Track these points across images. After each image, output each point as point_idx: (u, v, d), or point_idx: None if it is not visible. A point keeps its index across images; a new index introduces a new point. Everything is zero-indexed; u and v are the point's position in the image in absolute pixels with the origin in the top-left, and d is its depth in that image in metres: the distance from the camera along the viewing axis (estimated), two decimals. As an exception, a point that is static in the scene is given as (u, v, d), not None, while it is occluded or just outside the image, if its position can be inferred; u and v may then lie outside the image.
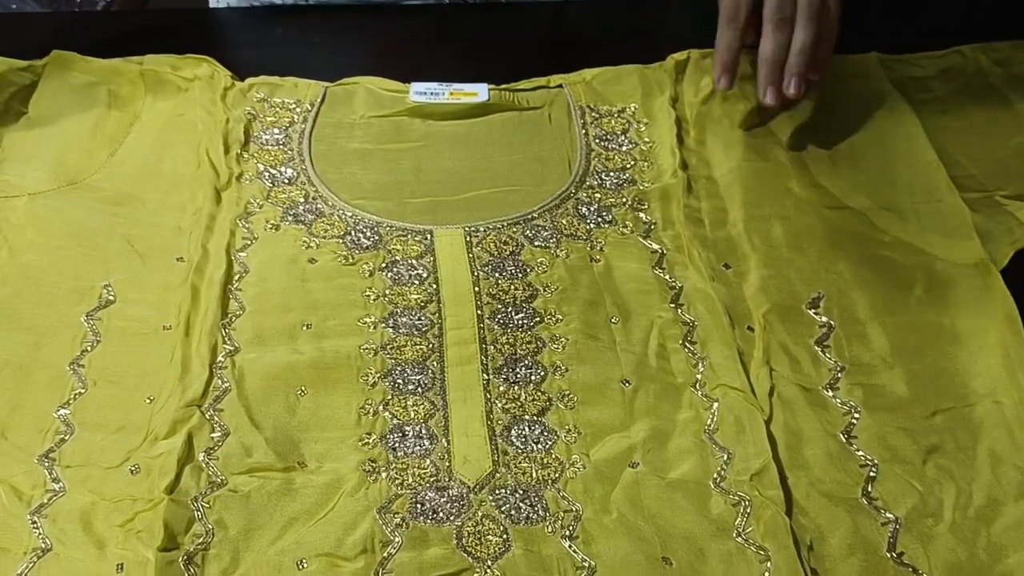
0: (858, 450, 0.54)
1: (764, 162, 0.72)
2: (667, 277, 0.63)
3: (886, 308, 0.61)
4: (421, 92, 0.78)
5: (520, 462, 0.53)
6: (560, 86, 0.79)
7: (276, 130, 0.75)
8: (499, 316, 0.61)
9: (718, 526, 0.50)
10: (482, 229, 0.67)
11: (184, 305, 0.60)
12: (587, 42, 0.88)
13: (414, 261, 0.64)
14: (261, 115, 0.76)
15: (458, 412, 0.55)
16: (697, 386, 0.57)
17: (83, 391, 0.56)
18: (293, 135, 0.75)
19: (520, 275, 0.63)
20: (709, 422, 0.55)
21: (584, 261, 0.65)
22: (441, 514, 0.50)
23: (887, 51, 0.80)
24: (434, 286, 0.63)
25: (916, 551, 0.49)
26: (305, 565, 0.48)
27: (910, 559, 0.49)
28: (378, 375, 0.57)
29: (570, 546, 0.49)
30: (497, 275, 0.63)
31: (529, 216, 0.68)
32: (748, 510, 0.50)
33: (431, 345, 0.59)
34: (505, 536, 0.49)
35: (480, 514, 0.50)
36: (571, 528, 0.50)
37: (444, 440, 0.54)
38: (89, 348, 0.59)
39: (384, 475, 0.52)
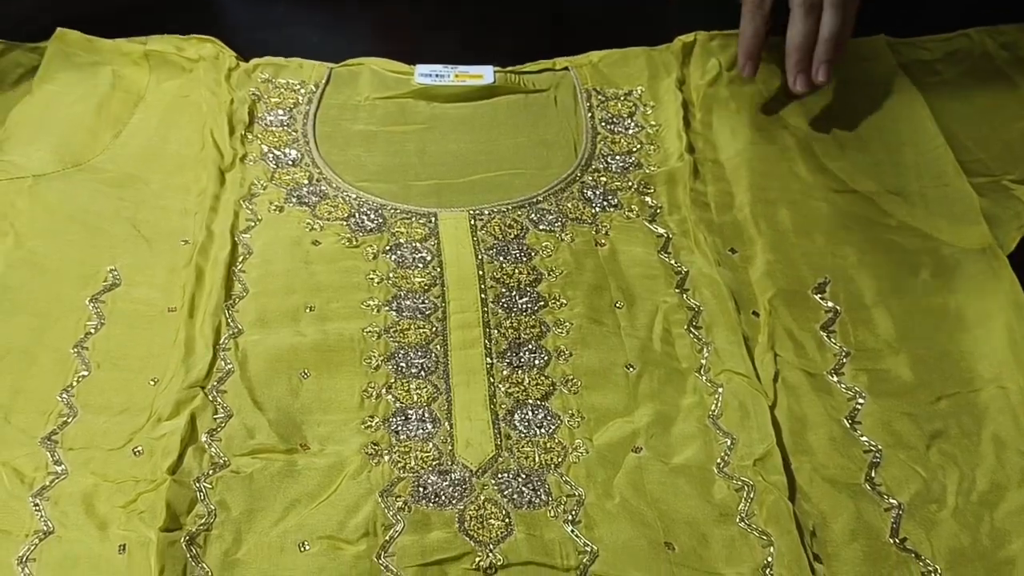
0: (862, 436, 0.54)
1: (771, 145, 0.71)
2: (672, 262, 0.63)
3: (892, 292, 0.61)
4: (426, 74, 0.77)
5: (523, 446, 0.53)
6: (566, 68, 0.79)
7: (280, 111, 0.75)
8: (503, 300, 0.61)
9: (721, 511, 0.50)
10: (487, 212, 0.66)
11: (188, 286, 0.60)
12: (593, 24, 0.87)
13: (418, 244, 0.64)
14: (266, 96, 0.76)
15: (461, 396, 0.55)
16: (701, 371, 0.57)
17: (86, 373, 0.56)
18: (297, 116, 0.75)
19: (524, 259, 0.63)
20: (713, 407, 0.55)
21: (589, 245, 0.64)
22: (443, 498, 0.50)
23: (893, 34, 0.80)
24: (438, 269, 0.62)
25: (919, 537, 0.49)
26: (307, 547, 0.48)
27: (913, 545, 0.49)
28: (381, 358, 0.57)
29: (572, 531, 0.49)
30: (501, 259, 0.63)
31: (534, 199, 0.68)
32: (751, 495, 0.50)
33: (435, 328, 0.59)
34: (507, 520, 0.49)
35: (482, 498, 0.50)
36: (573, 513, 0.50)
37: (447, 424, 0.54)
38: (93, 331, 0.59)
39: (387, 458, 0.52)
